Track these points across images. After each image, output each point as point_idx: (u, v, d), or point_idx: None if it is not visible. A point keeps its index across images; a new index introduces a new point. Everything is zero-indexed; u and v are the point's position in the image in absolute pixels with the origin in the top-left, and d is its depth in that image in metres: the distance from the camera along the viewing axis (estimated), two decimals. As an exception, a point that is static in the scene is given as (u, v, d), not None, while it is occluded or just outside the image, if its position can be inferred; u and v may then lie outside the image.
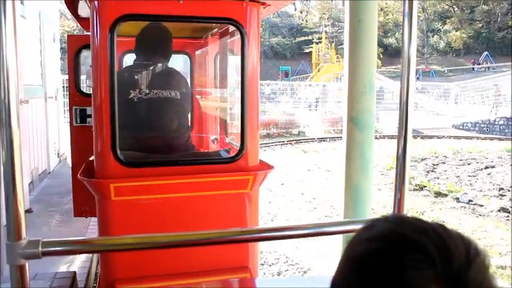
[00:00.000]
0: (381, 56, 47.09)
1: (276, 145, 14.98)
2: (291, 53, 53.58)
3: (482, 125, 20.52)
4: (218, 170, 2.60)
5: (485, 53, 49.17)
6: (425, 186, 9.55)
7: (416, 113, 23.26)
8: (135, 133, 2.84)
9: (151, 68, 3.05)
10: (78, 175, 2.43)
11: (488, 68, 47.66)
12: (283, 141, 15.57)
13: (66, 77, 4.53)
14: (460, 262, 0.59)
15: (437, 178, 10.66)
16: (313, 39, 48.64)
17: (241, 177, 2.58)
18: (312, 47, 44.65)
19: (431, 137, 17.71)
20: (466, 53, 52.75)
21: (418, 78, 40.68)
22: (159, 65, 3.05)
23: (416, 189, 9.47)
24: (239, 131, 2.64)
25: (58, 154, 9.24)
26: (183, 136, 3.05)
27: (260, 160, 2.74)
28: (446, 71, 47.67)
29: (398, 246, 0.62)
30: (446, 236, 0.62)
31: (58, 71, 10.06)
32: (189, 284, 2.46)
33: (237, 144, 2.78)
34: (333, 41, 46.15)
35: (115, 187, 2.38)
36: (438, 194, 9.06)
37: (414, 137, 17.43)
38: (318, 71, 36.47)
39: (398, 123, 1.59)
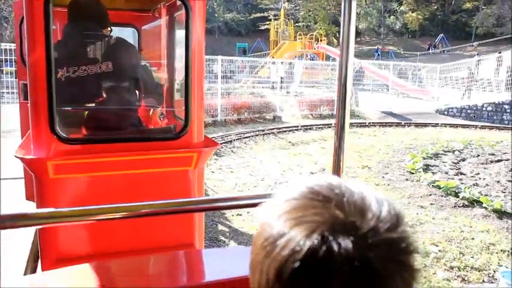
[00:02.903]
0: (337, 35, 45.77)
1: (257, 135, 12.30)
2: (245, 30, 51.37)
3: (469, 111, 18.94)
4: (162, 146, 2.56)
5: (441, 35, 49.63)
6: (478, 201, 7.22)
7: (388, 96, 21.87)
8: (73, 109, 2.80)
9: (90, 39, 2.90)
10: (14, 153, 2.34)
11: (444, 50, 48.06)
12: (263, 130, 12.91)
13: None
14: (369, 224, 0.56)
15: (476, 185, 8.38)
16: (269, 16, 46.53)
17: (185, 154, 2.56)
18: (268, 24, 43.10)
19: (425, 125, 15.73)
20: (421, 34, 53.13)
21: (377, 58, 40.38)
22: (98, 34, 2.91)
23: (466, 206, 7.12)
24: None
25: None
26: (125, 111, 2.94)
27: (205, 136, 2.75)
28: (402, 52, 47.20)
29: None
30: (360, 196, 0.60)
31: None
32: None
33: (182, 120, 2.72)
34: (290, 18, 44.16)
35: (53, 165, 2.32)
36: (501, 214, 6.76)
37: (408, 124, 15.36)
38: (279, 48, 34.38)
39: (335, 111, 1.58)
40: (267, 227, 0.60)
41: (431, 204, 7.22)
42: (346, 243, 0.53)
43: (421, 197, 7.59)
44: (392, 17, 53.88)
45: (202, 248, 2.78)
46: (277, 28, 39.97)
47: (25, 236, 3.99)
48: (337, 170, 1.65)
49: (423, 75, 24.97)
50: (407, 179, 8.65)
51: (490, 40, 42.58)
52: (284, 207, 0.60)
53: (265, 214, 0.62)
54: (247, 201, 1.75)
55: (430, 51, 47.27)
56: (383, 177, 8.80)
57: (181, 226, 2.61)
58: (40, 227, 2.27)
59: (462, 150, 11.78)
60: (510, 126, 16.32)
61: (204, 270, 1.79)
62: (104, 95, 2.86)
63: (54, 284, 1.46)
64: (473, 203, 7.26)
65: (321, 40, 35.51)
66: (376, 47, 48.21)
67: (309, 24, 50.76)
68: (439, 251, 5.48)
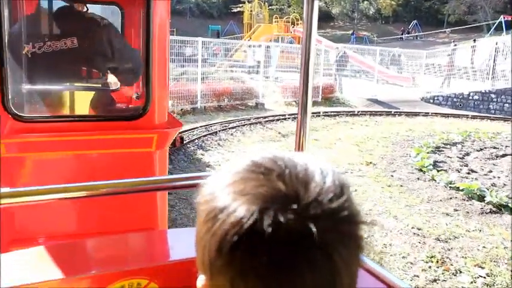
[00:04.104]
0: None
1: (244, 125, 11.16)
2: (218, 12, 49.75)
3: (455, 100, 18.35)
4: (121, 127, 2.51)
5: (414, 21, 49.71)
6: (505, 206, 6.38)
7: (368, 82, 21.12)
8: (34, 86, 2.75)
9: (59, 14, 2.88)
10: None
11: (416, 36, 48.30)
12: (249, 120, 11.78)
13: None
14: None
15: (494, 185, 7.56)
16: (242, -3, 45.18)
17: (144, 135, 2.52)
18: (241, 7, 41.89)
19: (415, 114, 14.95)
20: (394, 20, 53.42)
21: (352, 43, 39.88)
22: (68, 10, 2.88)
23: (494, 212, 6.27)
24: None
25: None
26: (88, 90, 2.92)
27: (170, 116, 2.74)
28: (375, 38, 46.96)
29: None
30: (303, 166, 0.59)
31: None
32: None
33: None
34: (264, 1, 43.00)
35: (5, 143, 2.29)
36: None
37: (398, 114, 14.57)
38: (253, 32, 33.32)
39: (299, 93, 1.56)
40: (209, 202, 0.59)
41: (455, 210, 6.32)
42: (287, 215, 0.53)
43: (441, 201, 6.69)
44: (366, 2, 53.27)
45: (165, 228, 2.72)
46: (252, 10, 38.74)
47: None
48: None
49: (403, 61, 24.38)
50: (418, 179, 7.74)
51: (462, 27, 42.62)
52: (226, 180, 0.59)
53: (208, 189, 0.61)
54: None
55: (404, 36, 47.20)
56: (392, 175, 7.86)
57: (143, 207, 2.56)
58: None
59: (462, 143, 11.01)
60: (502, 116, 15.78)
61: (168, 250, 1.76)
62: (69, 73, 2.80)
63: (11, 265, 1.35)
64: (501, 208, 6.43)
65: (297, 24, 34.48)
66: (349, 32, 47.82)
67: (283, 7, 49.75)
68: (487, 275, 4.57)
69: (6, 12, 2.29)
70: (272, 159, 0.59)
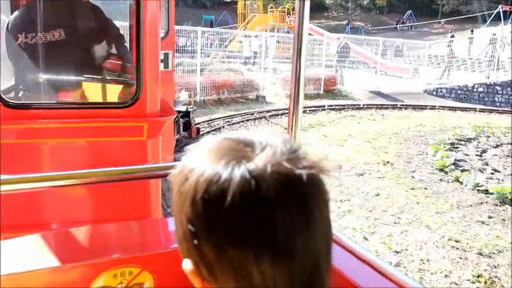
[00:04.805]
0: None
1: (248, 120, 10.51)
2: (210, 2, 48.80)
3: (459, 92, 17.83)
4: (111, 115, 2.45)
5: (409, 12, 49.43)
6: None
7: (367, 73, 20.47)
8: (29, 74, 2.79)
9: (53, 5, 2.83)
10: None
11: (411, 27, 48.10)
12: (253, 114, 11.14)
13: None
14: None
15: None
16: (234, -13, 44.45)
17: (133, 123, 2.47)
18: None
19: (422, 107, 14.40)
20: (389, 11, 53.34)
21: (348, 33, 39.31)
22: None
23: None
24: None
25: None
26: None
27: (165, 103, 2.70)
28: (370, 28, 46.59)
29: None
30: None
31: None
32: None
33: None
34: (258, -10, 42.26)
35: None
36: None
37: (405, 107, 14.04)
38: (248, 22, 32.76)
39: (291, 85, 1.57)
40: (180, 172, 0.63)
41: (489, 217, 5.77)
42: (243, 170, 0.56)
43: (472, 206, 6.13)
44: (360, -8, 53.23)
45: (158, 217, 2.69)
46: (246, 0, 38.05)
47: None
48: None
49: (404, 52, 23.82)
50: (441, 180, 7.18)
51: (456, 18, 42.29)
52: (197, 153, 0.63)
53: (180, 164, 0.65)
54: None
55: (398, 26, 46.86)
56: (412, 177, 7.29)
57: (135, 196, 2.50)
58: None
59: (477, 139, 10.50)
60: (510, 109, 15.28)
61: (160, 238, 1.74)
62: (58, 65, 2.78)
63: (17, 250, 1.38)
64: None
65: (293, 13, 33.78)
66: (343, 22, 47.35)
67: (276, -3, 49.07)
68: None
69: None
70: (240, 135, 0.64)
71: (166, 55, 4.72)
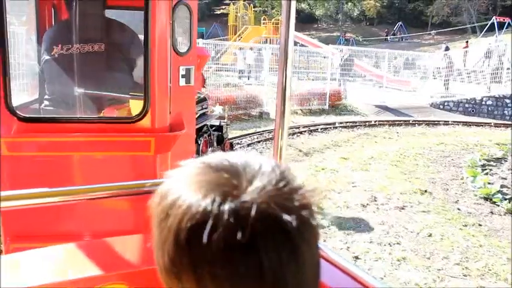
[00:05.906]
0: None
1: (259, 142, 9.56)
2: (200, 14, 48.09)
3: (467, 105, 17.14)
4: (121, 130, 2.50)
5: (400, 23, 49.60)
6: None
7: (366, 86, 19.66)
8: (57, 90, 2.83)
9: (85, 19, 2.89)
10: None
11: (402, 38, 48.20)
12: (262, 133, 10.20)
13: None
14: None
15: None
16: (224, -1, 44.20)
17: (140, 138, 2.49)
18: (223, 9, 40.72)
19: (435, 123, 13.59)
20: (379, 22, 53.47)
21: (339, 43, 38.94)
22: (92, 14, 2.92)
23: None
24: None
25: None
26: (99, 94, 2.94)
27: (175, 120, 2.64)
28: (361, 40, 46.50)
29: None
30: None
31: None
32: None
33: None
34: (249, 3, 41.93)
35: (7, 142, 2.35)
36: None
37: (419, 123, 13.28)
38: (239, 35, 32.30)
39: (276, 100, 1.54)
40: (161, 201, 0.60)
41: None
42: (231, 199, 0.54)
43: (540, 247, 5.23)
44: (350, 3, 52.60)
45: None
46: (237, 12, 37.53)
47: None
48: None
49: (399, 64, 23.18)
50: (492, 212, 6.29)
51: (447, 29, 42.28)
52: (177, 180, 0.60)
53: (159, 191, 0.62)
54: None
55: (389, 38, 46.83)
56: (459, 209, 6.36)
57: (131, 211, 2.44)
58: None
59: (505, 158, 9.68)
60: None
61: (148, 255, 1.63)
62: (85, 77, 2.82)
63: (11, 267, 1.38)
64: None
65: (286, 25, 33.26)
66: (334, 34, 47.22)
67: (266, 9, 48.69)
68: None
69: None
70: (220, 158, 0.61)
71: (188, 70, 4.16)
